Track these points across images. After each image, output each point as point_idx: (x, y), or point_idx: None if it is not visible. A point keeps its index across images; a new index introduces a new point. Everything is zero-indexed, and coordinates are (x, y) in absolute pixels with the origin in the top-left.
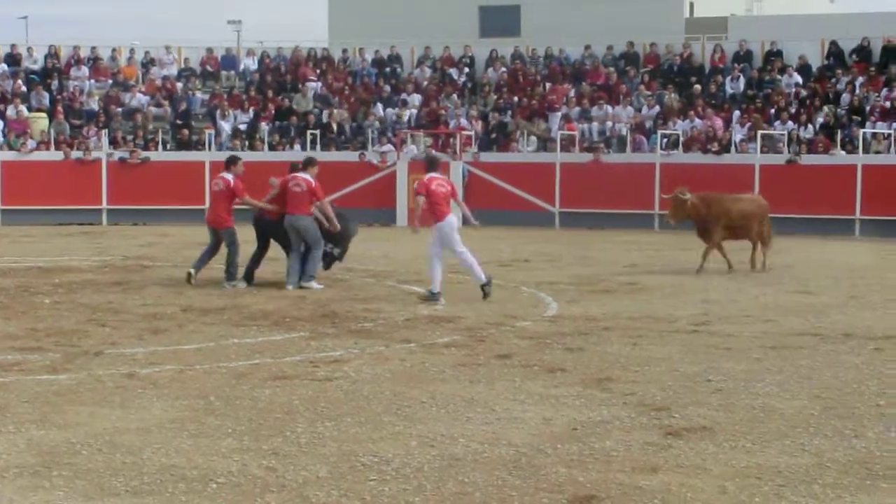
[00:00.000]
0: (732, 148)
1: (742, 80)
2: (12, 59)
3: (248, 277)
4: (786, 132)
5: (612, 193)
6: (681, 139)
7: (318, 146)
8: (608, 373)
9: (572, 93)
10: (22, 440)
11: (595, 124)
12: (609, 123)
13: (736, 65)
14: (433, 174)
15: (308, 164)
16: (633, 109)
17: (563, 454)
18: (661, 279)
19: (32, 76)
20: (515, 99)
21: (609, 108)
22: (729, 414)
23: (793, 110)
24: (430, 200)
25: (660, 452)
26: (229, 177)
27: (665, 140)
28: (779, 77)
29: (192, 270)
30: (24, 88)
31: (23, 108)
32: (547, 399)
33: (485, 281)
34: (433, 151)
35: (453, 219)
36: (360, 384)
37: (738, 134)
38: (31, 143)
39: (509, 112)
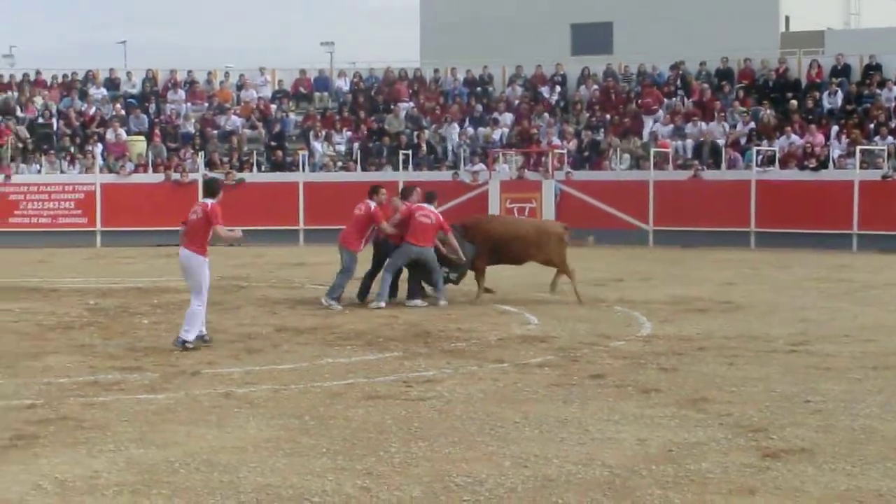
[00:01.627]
0: (830, 164)
1: (840, 95)
2: (111, 84)
3: (363, 296)
4: (886, 147)
5: (706, 211)
6: (777, 155)
7: (410, 166)
8: (703, 393)
9: (663, 111)
10: (122, 459)
11: (689, 141)
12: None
13: (833, 79)
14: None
15: (432, 197)
16: (727, 126)
17: (658, 476)
18: (758, 298)
19: (131, 100)
20: (608, 116)
21: (703, 125)
22: (828, 435)
23: (893, 125)
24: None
25: (757, 475)
26: (372, 204)
27: (761, 157)
28: (878, 91)
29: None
30: (122, 112)
31: (121, 131)
32: (641, 419)
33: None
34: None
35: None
36: (454, 404)
37: (836, 150)
38: (129, 166)
39: (602, 130)
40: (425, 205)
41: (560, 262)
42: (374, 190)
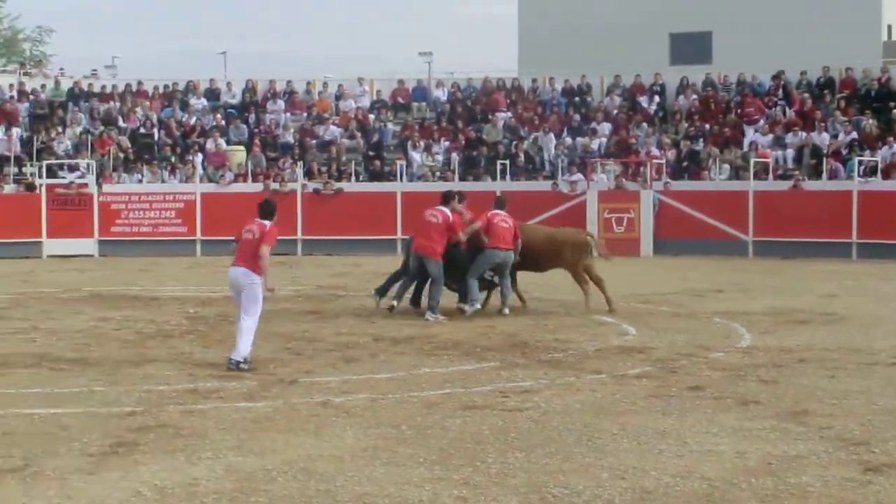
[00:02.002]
0: None
1: None
2: (212, 94)
3: (383, 292)
4: None
5: (807, 221)
6: (879, 166)
7: (508, 176)
8: (804, 406)
9: (763, 121)
10: (220, 466)
11: (790, 151)
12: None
13: None
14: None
15: (503, 202)
16: (828, 136)
17: (757, 489)
18: (860, 310)
19: (231, 110)
20: (707, 126)
21: (803, 135)
22: None
23: None
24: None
25: (858, 489)
26: (449, 213)
27: (862, 167)
28: None
29: (394, 302)
30: (222, 122)
31: (221, 141)
32: (740, 432)
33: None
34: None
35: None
36: (551, 415)
37: None
38: (229, 176)
39: (701, 140)
40: (500, 211)
41: (575, 272)
42: (450, 196)
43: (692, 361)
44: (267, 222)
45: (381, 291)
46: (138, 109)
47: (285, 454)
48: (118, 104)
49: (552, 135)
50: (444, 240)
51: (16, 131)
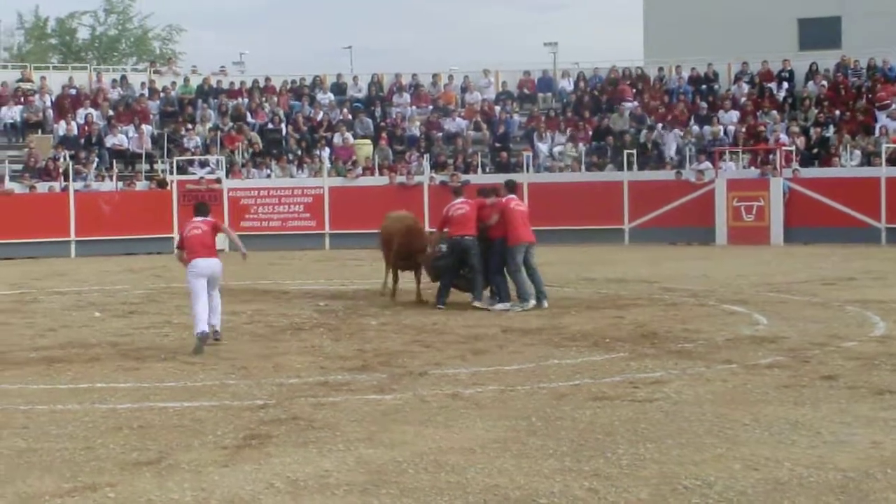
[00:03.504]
0: None
1: None
2: (338, 89)
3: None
4: None
5: None
6: None
7: (635, 166)
8: None
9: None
10: (351, 458)
11: None
12: None
13: None
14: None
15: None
16: None
17: (893, 479)
18: None
19: (357, 104)
20: (837, 113)
21: None
22: None
23: None
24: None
25: None
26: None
27: None
28: None
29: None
30: (349, 116)
31: (348, 135)
32: (875, 422)
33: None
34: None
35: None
36: (681, 405)
37: None
38: (356, 170)
39: (831, 126)
40: (514, 196)
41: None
42: (509, 184)
43: (825, 351)
44: (207, 218)
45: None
46: (266, 105)
47: (415, 446)
48: (246, 100)
49: (676, 130)
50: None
51: (146, 128)
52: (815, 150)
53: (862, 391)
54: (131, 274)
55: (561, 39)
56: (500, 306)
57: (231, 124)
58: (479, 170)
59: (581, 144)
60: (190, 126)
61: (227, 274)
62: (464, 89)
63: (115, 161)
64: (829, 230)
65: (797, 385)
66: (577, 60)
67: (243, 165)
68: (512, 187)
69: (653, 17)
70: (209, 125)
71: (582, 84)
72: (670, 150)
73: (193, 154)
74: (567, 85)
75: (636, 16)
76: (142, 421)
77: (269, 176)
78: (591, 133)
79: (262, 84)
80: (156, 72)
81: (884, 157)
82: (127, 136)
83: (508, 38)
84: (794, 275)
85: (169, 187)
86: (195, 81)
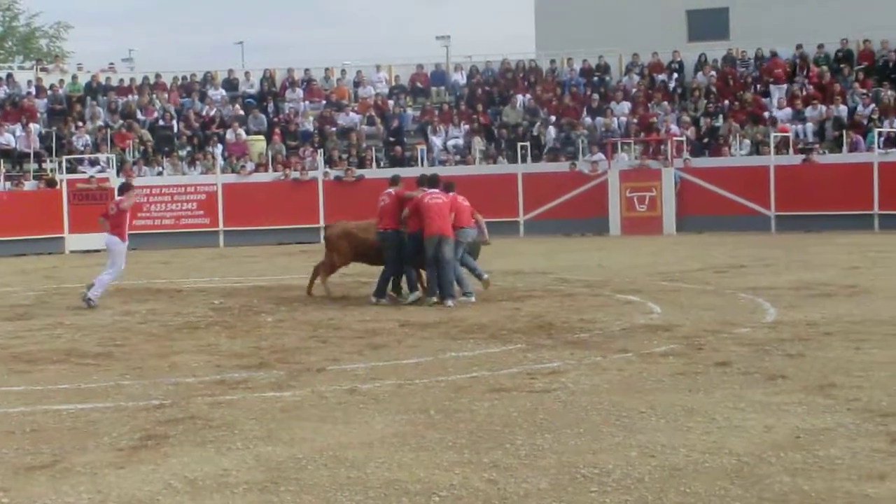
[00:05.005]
0: None
1: None
2: (230, 85)
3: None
4: None
5: (828, 195)
6: None
7: (529, 158)
8: (831, 378)
9: (783, 93)
10: (250, 456)
11: (809, 125)
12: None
13: None
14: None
15: (435, 181)
16: (847, 108)
17: (786, 463)
18: (884, 281)
19: (249, 100)
20: (726, 103)
21: (823, 108)
22: None
23: None
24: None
25: (887, 459)
26: (392, 192)
27: (882, 138)
28: None
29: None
30: (241, 112)
31: (241, 131)
32: (768, 407)
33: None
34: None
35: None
36: (578, 395)
37: None
38: (249, 166)
39: (721, 116)
40: (435, 191)
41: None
42: (395, 180)
43: (718, 338)
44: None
45: (380, 293)
46: (157, 102)
47: (315, 442)
48: (136, 97)
49: (550, 127)
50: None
51: (34, 127)
52: (706, 140)
53: (755, 376)
54: (22, 275)
55: (453, 32)
56: (411, 297)
57: (121, 122)
58: (374, 164)
59: (476, 137)
60: (79, 124)
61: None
62: (356, 84)
63: (2, 161)
64: (720, 219)
65: (691, 372)
66: (469, 53)
67: (134, 163)
68: (433, 182)
69: (544, 10)
70: (98, 123)
71: (476, 77)
72: (548, 140)
73: (83, 153)
74: (460, 78)
75: (528, 8)
76: (35, 424)
77: (160, 174)
78: (483, 126)
79: (151, 81)
80: (43, 69)
81: (772, 145)
82: (14, 136)
83: (401, 32)
84: (686, 263)
85: (58, 186)
86: (83, 79)
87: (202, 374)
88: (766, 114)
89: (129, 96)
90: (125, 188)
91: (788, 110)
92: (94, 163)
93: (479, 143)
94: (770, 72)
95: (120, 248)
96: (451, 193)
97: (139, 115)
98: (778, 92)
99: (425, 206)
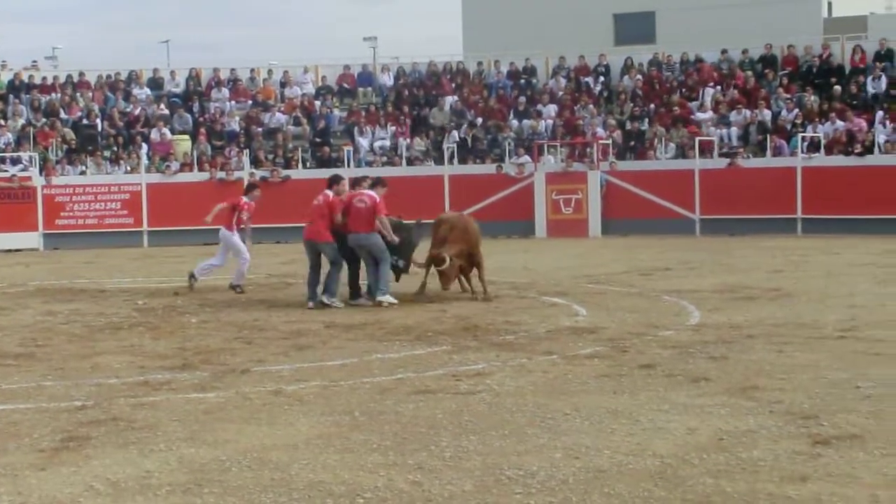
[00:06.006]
0: (876, 149)
1: (884, 80)
2: (155, 83)
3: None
4: None
5: (752, 198)
6: (822, 142)
7: (455, 160)
8: (753, 381)
9: (709, 97)
10: (173, 458)
11: (734, 129)
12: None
13: (877, 64)
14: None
15: (377, 183)
16: (771, 113)
17: (709, 464)
18: (806, 284)
19: (174, 99)
20: (652, 106)
21: (748, 113)
22: (880, 421)
23: None
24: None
25: (809, 461)
26: (330, 193)
27: (806, 143)
28: None
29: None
30: (166, 111)
31: (166, 130)
32: (691, 409)
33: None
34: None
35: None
36: (504, 397)
37: (881, 134)
38: (174, 165)
39: (646, 119)
40: (365, 191)
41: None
42: (334, 179)
43: (643, 340)
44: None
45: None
46: (80, 100)
47: (238, 444)
48: (60, 95)
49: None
50: (330, 221)
51: None
52: (632, 144)
53: (678, 379)
54: None
55: (381, 34)
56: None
57: (44, 120)
58: (300, 165)
59: (401, 139)
60: (1, 122)
61: (41, 273)
62: (283, 84)
63: None
64: (645, 222)
65: (616, 374)
66: (396, 55)
67: (57, 162)
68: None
69: (471, 12)
70: (21, 121)
71: (403, 79)
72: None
73: (5, 151)
74: (387, 79)
75: (455, 11)
76: None
77: (83, 173)
78: (410, 127)
79: (75, 79)
80: None
81: (697, 149)
82: None
83: (328, 32)
84: (612, 266)
85: None
86: (6, 77)
87: (125, 375)
88: (693, 116)
89: (53, 94)
90: (251, 187)
91: (712, 114)
92: (15, 161)
93: (418, 144)
94: (700, 76)
95: (233, 239)
96: (364, 192)
97: (62, 114)
98: (705, 95)
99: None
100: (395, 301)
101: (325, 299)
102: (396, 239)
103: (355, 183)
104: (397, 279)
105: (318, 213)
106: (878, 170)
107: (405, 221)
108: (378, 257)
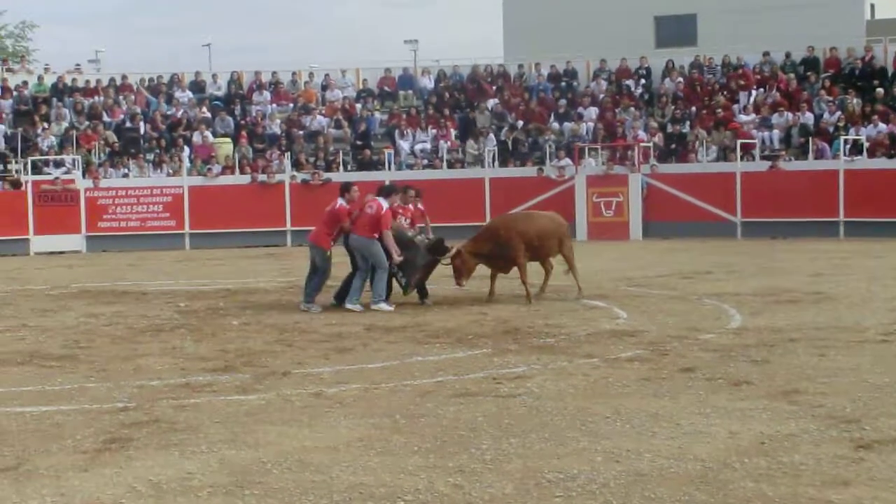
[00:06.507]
0: None
1: None
2: (197, 87)
3: (340, 298)
4: None
5: (794, 201)
6: (865, 144)
7: (496, 162)
8: (795, 385)
9: (752, 100)
10: (214, 460)
11: (776, 132)
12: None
13: None
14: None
15: (388, 191)
16: (813, 115)
17: (750, 468)
18: (848, 288)
19: (216, 102)
20: (693, 109)
21: (790, 115)
22: None
23: None
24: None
25: (851, 466)
26: (340, 202)
27: (848, 146)
28: None
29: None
30: (208, 115)
31: (208, 133)
32: (733, 413)
33: None
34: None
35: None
36: (544, 400)
37: None
38: (216, 168)
39: (687, 122)
40: (379, 197)
41: (572, 255)
42: (345, 187)
43: (683, 343)
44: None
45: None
46: (123, 103)
47: (280, 446)
48: (102, 98)
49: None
50: (333, 230)
51: None
52: (673, 146)
53: (719, 382)
54: None
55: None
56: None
57: (87, 123)
58: (341, 168)
59: (442, 142)
60: (45, 125)
61: (84, 276)
62: (324, 87)
63: None
64: (686, 225)
65: (657, 378)
66: (437, 58)
67: (100, 165)
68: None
69: (512, 15)
70: (64, 124)
71: (444, 81)
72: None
73: (48, 154)
74: (428, 83)
75: (496, 14)
76: None
77: (126, 175)
78: (452, 131)
79: (118, 82)
80: (8, 70)
81: (738, 152)
82: None
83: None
84: (652, 269)
85: (23, 188)
86: (49, 80)
87: (167, 376)
88: (735, 119)
89: (96, 97)
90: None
91: (755, 116)
92: (59, 164)
93: (471, 147)
94: (739, 80)
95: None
96: (376, 198)
97: (105, 117)
98: (744, 98)
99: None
100: (390, 308)
101: (302, 305)
102: (397, 258)
103: (391, 191)
104: (405, 293)
105: (323, 219)
106: None
107: (419, 238)
108: (375, 265)
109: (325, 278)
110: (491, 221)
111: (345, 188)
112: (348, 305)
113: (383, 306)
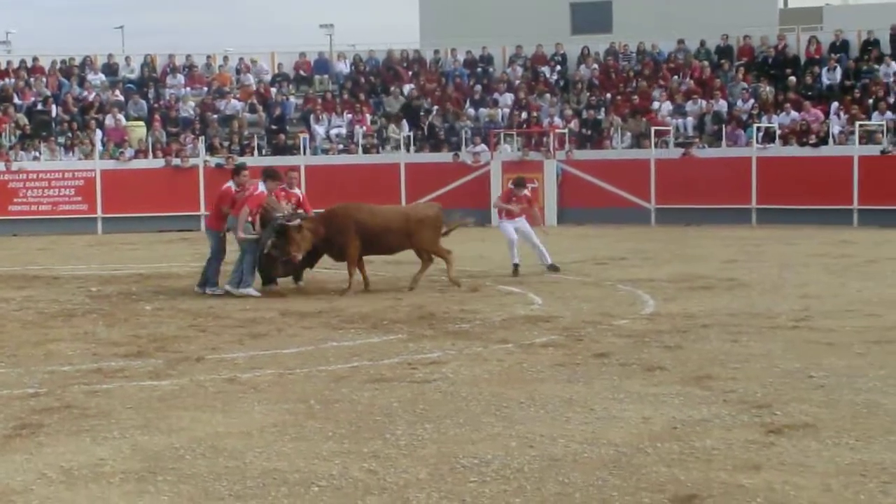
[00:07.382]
0: (830, 140)
1: (839, 71)
2: (109, 69)
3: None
4: (884, 123)
5: (708, 188)
6: (777, 132)
7: (412, 148)
8: (707, 370)
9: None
10: (127, 446)
11: (689, 119)
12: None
13: (832, 55)
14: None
15: (268, 175)
16: (727, 103)
17: (663, 453)
18: (760, 275)
19: (129, 85)
20: (608, 96)
21: (703, 103)
22: (831, 410)
23: (891, 100)
24: None
25: (762, 450)
26: (228, 184)
27: (761, 133)
28: (876, 67)
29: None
30: (121, 97)
31: (121, 117)
32: (646, 398)
33: None
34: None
35: None
36: (459, 385)
37: (835, 126)
38: (129, 152)
39: (603, 109)
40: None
41: (434, 248)
42: (235, 170)
43: (597, 329)
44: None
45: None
46: (34, 86)
47: (193, 432)
48: (13, 80)
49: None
50: (221, 212)
51: None
52: (588, 133)
53: (633, 368)
54: None
55: (337, 21)
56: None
57: None
58: (256, 152)
59: (357, 126)
60: None
61: None
62: (239, 71)
63: None
64: (601, 211)
65: (571, 363)
66: (353, 42)
67: (11, 148)
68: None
69: (428, 0)
70: None
71: (359, 66)
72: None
73: None
74: (343, 67)
75: None
76: None
77: (37, 159)
78: (367, 115)
79: (29, 64)
80: None
81: (652, 139)
82: None
83: (284, 19)
84: (567, 255)
85: None
86: None
87: (78, 362)
88: (650, 107)
89: (6, 80)
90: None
91: (669, 104)
92: None
93: (393, 132)
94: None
95: None
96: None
97: (16, 99)
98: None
99: None
100: (257, 294)
101: (206, 289)
102: (244, 236)
103: (269, 175)
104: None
105: (214, 202)
106: (832, 160)
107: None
108: (241, 247)
109: (219, 260)
110: (336, 205)
111: (235, 171)
112: (208, 289)
113: (248, 290)
